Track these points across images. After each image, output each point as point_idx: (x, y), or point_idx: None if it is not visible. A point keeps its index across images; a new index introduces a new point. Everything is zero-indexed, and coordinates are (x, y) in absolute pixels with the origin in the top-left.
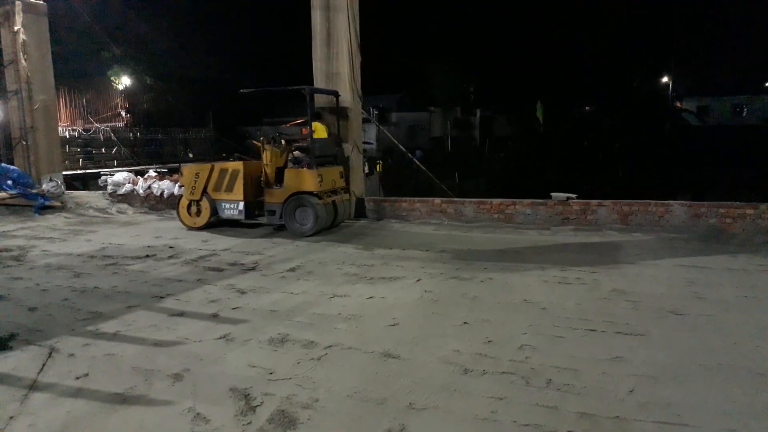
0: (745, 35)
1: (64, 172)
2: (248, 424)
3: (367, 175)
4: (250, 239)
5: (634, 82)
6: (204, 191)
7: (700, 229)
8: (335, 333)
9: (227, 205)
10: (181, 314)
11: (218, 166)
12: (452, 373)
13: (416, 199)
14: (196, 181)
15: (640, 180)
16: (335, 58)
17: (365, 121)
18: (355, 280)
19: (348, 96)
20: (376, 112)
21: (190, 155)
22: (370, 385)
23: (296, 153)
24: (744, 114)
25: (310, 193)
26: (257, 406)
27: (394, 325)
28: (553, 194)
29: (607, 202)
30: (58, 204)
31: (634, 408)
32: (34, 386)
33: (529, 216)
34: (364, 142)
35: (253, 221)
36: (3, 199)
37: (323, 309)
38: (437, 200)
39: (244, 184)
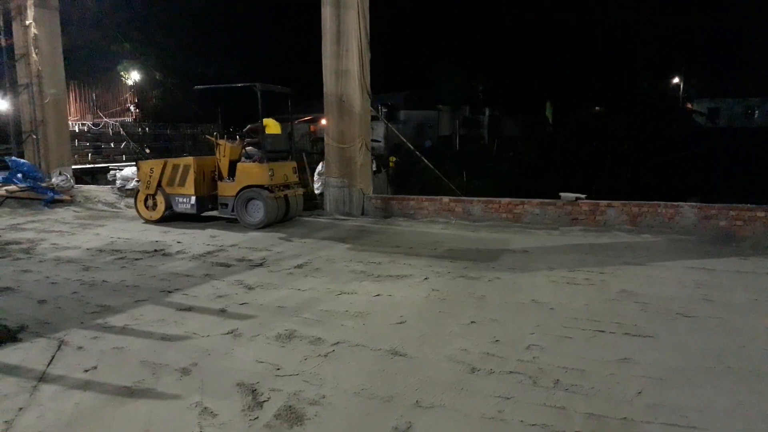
0: (758, 37)
1: (73, 166)
2: (255, 419)
3: (374, 172)
4: (257, 235)
5: (644, 83)
6: (158, 185)
7: (710, 232)
8: (342, 330)
9: (180, 199)
10: (189, 309)
11: (171, 161)
12: (459, 371)
13: (424, 197)
14: (150, 176)
15: (648, 181)
16: (345, 56)
17: (373, 118)
18: (363, 277)
19: (357, 93)
20: (384, 110)
21: (147, 151)
22: (377, 382)
23: (249, 148)
24: (756, 116)
25: (261, 187)
26: (264, 401)
27: (401, 323)
28: (562, 194)
29: (617, 202)
30: (67, 198)
31: (641, 410)
32: (43, 378)
33: (537, 216)
34: (372, 140)
35: (204, 214)
36: (13, 192)
37: (330, 306)
38: (445, 199)
39: (195, 179)
